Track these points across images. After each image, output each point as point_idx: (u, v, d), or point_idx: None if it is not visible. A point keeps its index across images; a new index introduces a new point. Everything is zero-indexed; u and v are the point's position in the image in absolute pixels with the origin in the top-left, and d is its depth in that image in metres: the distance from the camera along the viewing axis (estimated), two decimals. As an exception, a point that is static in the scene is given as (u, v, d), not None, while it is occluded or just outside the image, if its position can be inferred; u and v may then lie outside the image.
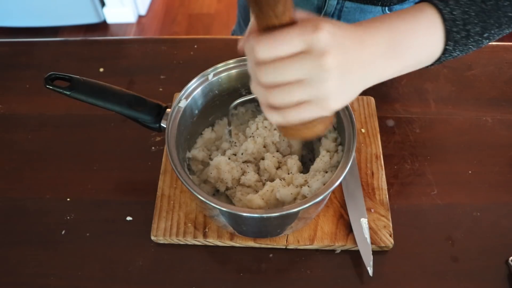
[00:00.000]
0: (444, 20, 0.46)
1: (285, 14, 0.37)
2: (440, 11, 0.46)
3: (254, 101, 0.70)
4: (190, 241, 0.63)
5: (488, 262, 0.62)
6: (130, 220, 0.66)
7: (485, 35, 0.48)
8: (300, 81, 0.39)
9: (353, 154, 0.55)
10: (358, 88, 0.44)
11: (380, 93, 0.80)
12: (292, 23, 0.38)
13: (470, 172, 0.71)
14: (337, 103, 0.42)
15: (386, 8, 0.78)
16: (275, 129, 0.66)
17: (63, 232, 0.66)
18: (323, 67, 0.38)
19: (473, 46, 0.49)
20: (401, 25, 0.45)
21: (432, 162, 0.72)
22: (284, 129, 0.47)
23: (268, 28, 0.38)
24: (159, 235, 0.63)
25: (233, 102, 0.65)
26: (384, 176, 0.68)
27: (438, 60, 0.49)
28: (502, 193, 0.68)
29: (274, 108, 0.42)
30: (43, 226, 0.66)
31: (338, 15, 0.80)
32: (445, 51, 0.48)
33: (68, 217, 0.67)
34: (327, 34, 0.38)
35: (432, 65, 0.50)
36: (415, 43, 0.46)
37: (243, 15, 0.97)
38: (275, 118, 0.43)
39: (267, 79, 0.40)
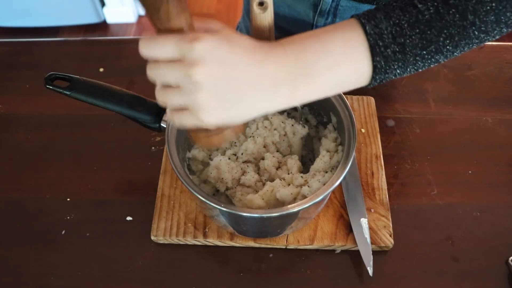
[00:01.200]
0: (367, 34, 0.42)
1: (170, 21, 0.38)
2: (362, 25, 0.43)
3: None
4: (190, 241, 0.63)
5: (488, 262, 0.62)
6: (130, 220, 0.66)
7: (431, 48, 0.44)
8: (178, 87, 0.40)
9: (353, 154, 0.55)
10: (245, 109, 0.42)
11: (380, 93, 0.80)
12: (181, 31, 0.39)
13: (470, 172, 0.71)
14: (211, 117, 0.41)
15: None
16: (275, 129, 0.66)
17: (63, 232, 0.66)
18: (191, 77, 0.38)
19: (420, 62, 0.45)
20: (313, 45, 0.42)
21: (432, 162, 0.72)
22: (188, 132, 0.48)
23: (158, 31, 0.40)
24: (159, 235, 0.63)
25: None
26: (384, 176, 0.68)
27: (374, 79, 0.45)
28: (502, 193, 0.68)
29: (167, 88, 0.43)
30: (43, 226, 0.66)
31: (333, 13, 0.79)
32: (375, 68, 0.43)
33: (68, 217, 0.67)
34: (204, 46, 0.38)
35: (370, 84, 0.46)
36: (329, 63, 0.42)
37: (247, 9, 0.97)
38: (168, 116, 0.44)
39: (149, 76, 0.42)
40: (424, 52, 0.44)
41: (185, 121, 0.42)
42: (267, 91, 0.42)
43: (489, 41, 0.46)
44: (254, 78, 0.41)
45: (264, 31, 0.46)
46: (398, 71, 0.45)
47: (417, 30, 0.43)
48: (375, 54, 0.43)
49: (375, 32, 0.42)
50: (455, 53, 0.46)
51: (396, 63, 0.44)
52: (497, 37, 0.46)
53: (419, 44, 0.43)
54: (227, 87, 0.40)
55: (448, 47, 0.44)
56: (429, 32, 0.43)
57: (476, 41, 0.45)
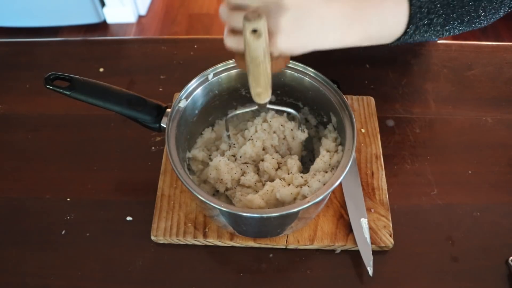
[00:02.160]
0: (411, 4, 0.50)
1: None
2: None
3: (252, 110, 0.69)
4: (190, 241, 0.63)
5: (488, 262, 0.62)
6: (130, 220, 0.66)
7: (447, 27, 0.52)
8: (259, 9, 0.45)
9: (353, 154, 0.55)
10: (313, 41, 0.49)
11: (380, 93, 0.80)
12: None
13: (470, 172, 0.71)
14: (285, 42, 0.47)
15: None
16: (274, 132, 0.66)
17: (63, 232, 0.66)
18: (281, 0, 0.45)
19: (433, 35, 0.53)
20: None
21: (432, 162, 0.72)
22: (239, 60, 0.51)
23: None
24: (159, 235, 0.63)
25: (233, 103, 0.65)
26: (384, 176, 0.68)
27: (398, 40, 0.53)
28: (502, 193, 0.68)
29: (233, 32, 0.48)
30: (43, 226, 0.66)
31: None
32: (405, 32, 0.51)
33: (68, 217, 0.67)
34: None
35: (391, 44, 0.54)
36: (380, 15, 0.50)
37: None
38: (229, 42, 0.49)
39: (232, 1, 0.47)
40: (441, 29, 0.52)
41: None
42: (332, 27, 0.49)
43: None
44: (327, 14, 0.48)
45: (259, 56, 0.46)
46: (416, 37, 0.53)
47: (445, 11, 0.51)
48: (411, 23, 0.51)
49: (417, 4, 0.50)
50: (453, 34, 0.55)
51: (420, 33, 0.52)
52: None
53: (441, 23, 0.52)
54: (307, 19, 0.47)
55: (455, 29, 0.54)
56: (451, 15, 0.51)
57: (468, 29, 0.55)
